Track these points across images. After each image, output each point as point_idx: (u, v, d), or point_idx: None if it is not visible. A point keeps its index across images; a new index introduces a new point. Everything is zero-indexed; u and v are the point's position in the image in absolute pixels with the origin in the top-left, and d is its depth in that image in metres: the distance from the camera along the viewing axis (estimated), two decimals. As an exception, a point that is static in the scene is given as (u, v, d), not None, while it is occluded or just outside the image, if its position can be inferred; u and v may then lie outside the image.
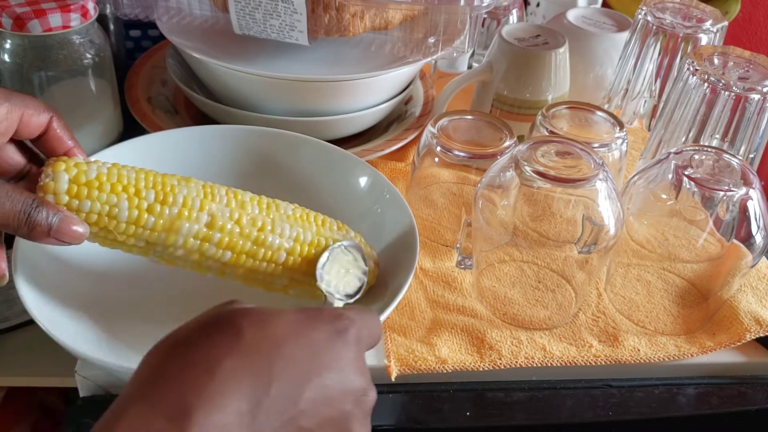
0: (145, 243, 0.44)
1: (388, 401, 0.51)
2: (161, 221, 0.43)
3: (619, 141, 0.60)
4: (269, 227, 0.46)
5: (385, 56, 0.67)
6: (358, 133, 0.72)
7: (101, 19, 0.64)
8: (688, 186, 0.52)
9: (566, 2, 0.87)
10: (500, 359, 0.52)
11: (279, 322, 0.30)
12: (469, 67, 0.87)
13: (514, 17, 0.83)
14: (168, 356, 0.29)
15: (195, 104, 0.70)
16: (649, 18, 0.70)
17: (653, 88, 0.72)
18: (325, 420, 0.29)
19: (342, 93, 0.65)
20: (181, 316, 0.32)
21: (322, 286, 0.45)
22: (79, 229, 0.41)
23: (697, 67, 0.60)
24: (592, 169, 0.51)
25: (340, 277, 0.46)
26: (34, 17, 0.56)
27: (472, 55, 0.87)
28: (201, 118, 0.71)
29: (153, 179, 0.44)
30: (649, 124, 0.74)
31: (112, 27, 0.73)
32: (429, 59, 0.67)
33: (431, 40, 0.65)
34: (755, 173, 0.52)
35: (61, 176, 0.41)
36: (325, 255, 0.47)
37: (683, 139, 0.62)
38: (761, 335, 0.55)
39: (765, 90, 0.58)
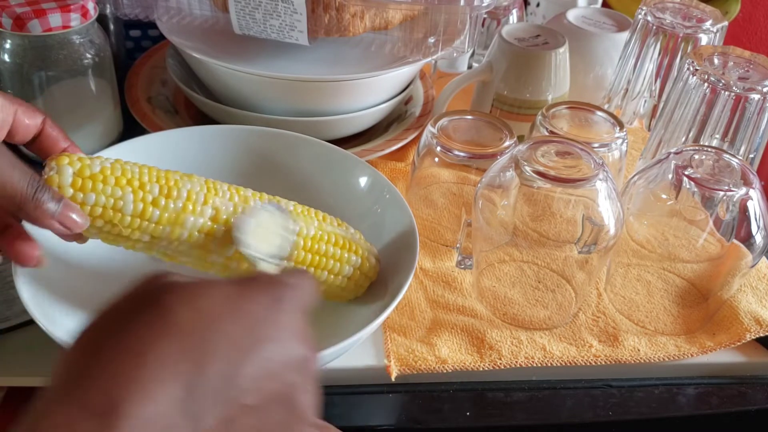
0: (150, 237, 0.44)
1: (388, 401, 0.51)
2: (166, 214, 0.43)
3: (619, 141, 0.60)
4: None
5: (385, 56, 0.67)
6: (358, 133, 0.72)
7: (101, 19, 0.64)
8: (688, 186, 0.52)
9: (566, 2, 0.87)
10: (500, 359, 0.52)
11: (210, 297, 0.27)
12: (469, 67, 0.87)
13: (514, 17, 0.83)
14: (90, 347, 0.26)
15: (195, 104, 0.70)
16: (649, 18, 0.70)
17: (653, 88, 0.72)
18: (269, 395, 0.27)
19: (342, 93, 0.65)
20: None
21: (249, 252, 0.42)
22: (79, 219, 0.40)
23: (697, 67, 0.60)
24: (592, 169, 0.51)
25: (266, 239, 0.44)
26: (34, 17, 0.56)
27: (472, 55, 0.87)
28: (201, 118, 0.71)
29: (156, 174, 0.44)
30: (649, 124, 0.74)
31: (112, 27, 0.73)
32: (429, 59, 0.67)
33: (431, 40, 0.65)
34: (755, 173, 0.52)
35: (65, 169, 0.41)
36: (242, 218, 0.44)
37: (683, 139, 0.62)
38: (761, 335, 0.55)
39: (765, 90, 0.58)
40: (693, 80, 0.60)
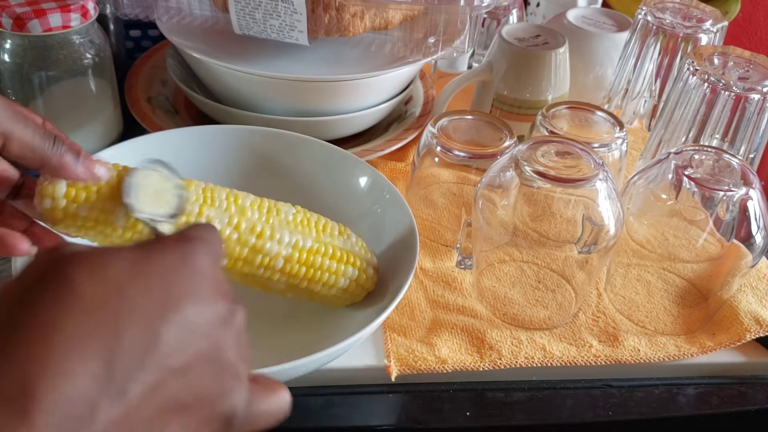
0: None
1: (388, 401, 0.51)
2: None
3: (619, 141, 0.60)
4: (268, 233, 0.46)
5: (385, 56, 0.67)
6: (358, 133, 0.72)
7: (101, 19, 0.64)
8: (688, 186, 0.52)
9: (566, 2, 0.87)
10: (500, 359, 0.52)
11: (117, 264, 0.26)
12: (469, 67, 0.87)
13: (514, 17, 0.83)
14: None
15: (195, 104, 0.70)
16: (649, 18, 0.70)
17: (653, 88, 0.72)
18: (194, 354, 0.26)
19: (342, 93, 0.65)
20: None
21: (143, 216, 0.40)
22: (102, 167, 0.42)
23: (697, 67, 0.60)
24: (592, 169, 0.51)
25: (155, 200, 0.42)
26: (34, 17, 0.56)
27: (472, 55, 0.87)
28: (201, 118, 0.71)
29: None
30: (649, 124, 0.74)
31: (112, 27, 0.73)
32: (429, 59, 0.67)
33: (431, 40, 0.65)
34: (755, 173, 0.52)
35: (60, 180, 0.41)
36: (127, 183, 0.41)
37: (683, 139, 0.62)
38: (761, 335, 0.55)
39: (765, 90, 0.58)
40: (693, 80, 0.60)
